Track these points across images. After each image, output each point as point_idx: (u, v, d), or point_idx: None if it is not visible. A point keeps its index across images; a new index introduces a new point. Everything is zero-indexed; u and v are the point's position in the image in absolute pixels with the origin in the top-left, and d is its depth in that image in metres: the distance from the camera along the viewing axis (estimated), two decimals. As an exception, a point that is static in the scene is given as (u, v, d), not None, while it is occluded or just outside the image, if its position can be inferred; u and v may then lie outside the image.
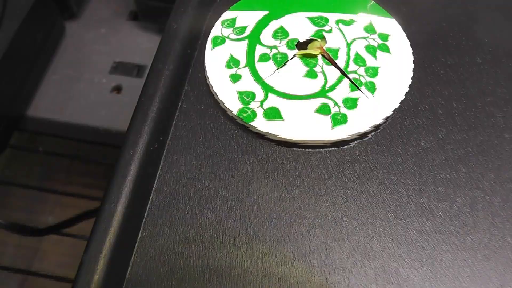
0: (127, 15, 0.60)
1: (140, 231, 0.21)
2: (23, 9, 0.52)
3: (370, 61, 0.25)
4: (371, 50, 0.25)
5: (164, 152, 0.23)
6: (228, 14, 0.27)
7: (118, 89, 0.56)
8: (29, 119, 0.54)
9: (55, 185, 0.63)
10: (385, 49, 0.25)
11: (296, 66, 0.25)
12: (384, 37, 0.26)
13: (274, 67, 0.25)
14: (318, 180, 0.22)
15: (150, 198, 0.22)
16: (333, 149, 0.23)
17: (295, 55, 0.25)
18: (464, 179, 0.22)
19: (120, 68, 0.57)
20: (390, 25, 0.26)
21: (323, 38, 0.26)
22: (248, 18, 0.27)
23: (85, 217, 0.52)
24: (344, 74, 0.24)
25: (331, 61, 0.25)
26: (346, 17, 0.27)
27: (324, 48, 0.25)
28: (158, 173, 0.22)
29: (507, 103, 0.24)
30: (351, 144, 0.23)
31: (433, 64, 0.26)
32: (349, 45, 0.25)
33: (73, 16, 0.60)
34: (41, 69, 0.56)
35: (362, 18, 0.27)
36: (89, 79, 0.56)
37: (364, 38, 0.26)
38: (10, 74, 0.51)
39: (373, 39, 0.26)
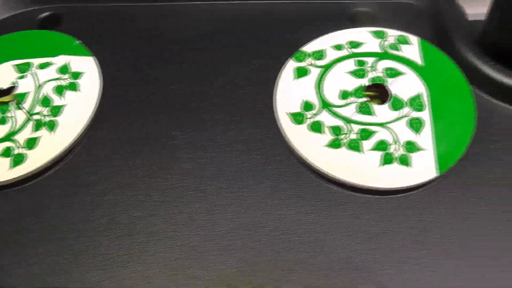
0: None
1: None
2: None
3: (56, 101, 0.28)
4: (60, 90, 0.28)
5: None
6: None
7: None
8: None
9: None
10: (75, 87, 0.28)
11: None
12: (77, 75, 0.29)
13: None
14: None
15: None
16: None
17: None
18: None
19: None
20: (86, 64, 0.29)
21: (16, 85, 0.28)
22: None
23: None
24: (28, 116, 0.27)
25: (19, 106, 0.28)
26: (46, 60, 0.29)
27: (14, 94, 0.28)
28: None
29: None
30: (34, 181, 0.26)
31: (121, 97, 0.29)
32: (38, 88, 0.28)
33: None
34: None
35: (61, 60, 0.29)
36: None
37: (56, 79, 0.29)
38: None
39: (65, 79, 0.29)
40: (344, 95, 0.27)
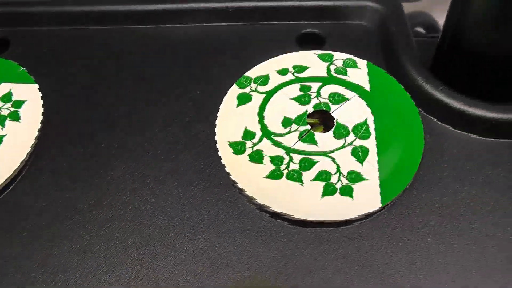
0: None
1: None
2: None
3: (-3, 131, 0.27)
4: (1, 120, 0.27)
5: None
6: None
7: None
8: None
9: None
10: (16, 117, 0.28)
11: None
12: (18, 104, 0.28)
13: None
14: None
15: None
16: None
17: None
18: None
19: None
20: (29, 92, 0.29)
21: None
22: None
23: None
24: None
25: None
26: (-12, 88, 0.29)
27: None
28: None
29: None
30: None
31: (62, 127, 0.28)
32: (-23, 118, 0.28)
33: None
34: None
35: (4, 88, 0.29)
36: None
37: (-3, 108, 0.28)
38: None
39: (7, 108, 0.28)
40: (286, 122, 0.26)
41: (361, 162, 0.24)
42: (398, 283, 0.22)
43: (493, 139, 0.26)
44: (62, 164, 0.26)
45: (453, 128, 0.26)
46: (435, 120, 0.27)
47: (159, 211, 0.25)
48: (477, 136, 0.26)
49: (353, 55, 0.28)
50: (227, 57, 0.30)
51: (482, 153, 0.26)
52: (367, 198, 0.23)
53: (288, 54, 0.29)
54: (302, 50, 0.29)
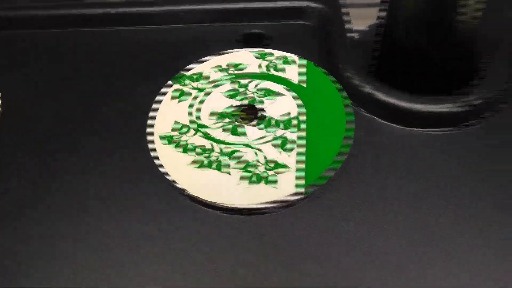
0: None
1: None
2: None
3: None
4: None
5: None
6: None
7: None
8: None
9: None
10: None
11: None
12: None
13: None
14: None
15: None
16: None
17: None
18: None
19: None
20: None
21: None
22: None
23: None
24: None
25: None
26: None
27: None
28: None
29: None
30: None
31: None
32: None
33: None
34: None
35: None
36: None
37: None
38: None
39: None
40: (217, 116, 0.26)
41: (288, 153, 0.24)
42: (324, 269, 0.21)
43: (425, 131, 0.26)
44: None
45: (387, 122, 0.26)
46: (370, 115, 0.26)
47: (86, 211, 0.24)
48: (411, 129, 0.26)
49: (294, 53, 0.29)
50: (166, 58, 0.30)
51: (415, 146, 0.25)
52: (291, 187, 0.23)
53: (224, 52, 0.29)
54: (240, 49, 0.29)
